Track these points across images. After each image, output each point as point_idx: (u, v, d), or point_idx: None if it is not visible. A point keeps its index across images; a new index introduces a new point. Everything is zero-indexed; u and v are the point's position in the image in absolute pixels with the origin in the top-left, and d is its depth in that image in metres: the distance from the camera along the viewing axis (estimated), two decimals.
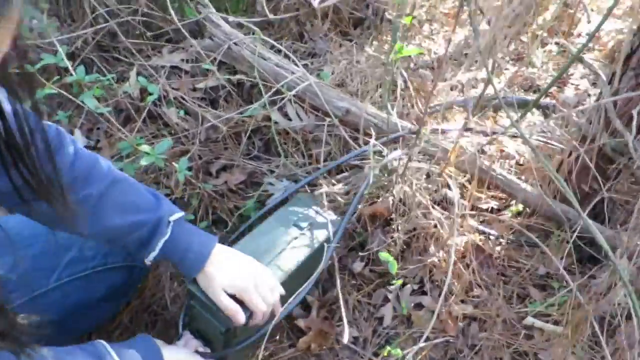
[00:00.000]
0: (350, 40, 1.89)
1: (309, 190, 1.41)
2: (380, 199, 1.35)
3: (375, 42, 1.94)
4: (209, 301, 1.02)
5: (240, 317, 0.99)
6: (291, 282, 1.10)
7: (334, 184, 1.40)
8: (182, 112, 1.52)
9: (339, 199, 1.34)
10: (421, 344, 1.14)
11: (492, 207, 1.51)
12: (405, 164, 1.30)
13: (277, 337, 1.27)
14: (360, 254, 1.38)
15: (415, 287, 1.35)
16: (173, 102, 1.53)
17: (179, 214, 1.01)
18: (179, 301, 1.31)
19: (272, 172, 1.49)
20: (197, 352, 1.03)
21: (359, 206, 1.34)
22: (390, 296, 1.33)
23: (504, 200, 1.52)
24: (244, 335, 1.07)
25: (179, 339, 1.07)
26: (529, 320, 1.21)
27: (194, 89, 1.59)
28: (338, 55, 1.79)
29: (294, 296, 1.06)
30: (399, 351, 1.10)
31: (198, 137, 1.47)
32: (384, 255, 1.11)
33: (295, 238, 1.21)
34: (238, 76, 1.61)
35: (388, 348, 1.12)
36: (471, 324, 1.23)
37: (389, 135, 1.43)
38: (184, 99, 1.53)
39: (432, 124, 1.55)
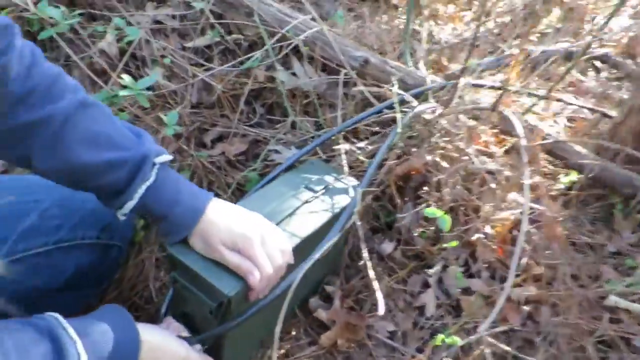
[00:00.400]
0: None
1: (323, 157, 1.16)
2: (414, 155, 1.10)
3: (385, 16, 1.73)
4: (198, 268, 0.76)
5: (253, 275, 0.73)
6: (303, 254, 0.84)
7: (353, 142, 1.15)
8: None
9: (362, 157, 1.08)
10: (476, 336, 0.89)
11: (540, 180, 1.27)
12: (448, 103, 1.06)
13: (293, 333, 1.00)
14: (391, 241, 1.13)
15: (460, 269, 1.09)
16: (158, 61, 1.29)
17: (166, 156, 0.76)
18: (166, 292, 1.03)
19: (278, 140, 1.25)
20: (180, 336, 0.77)
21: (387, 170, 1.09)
22: (430, 281, 1.08)
23: (550, 174, 1.29)
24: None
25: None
26: (611, 299, 0.96)
27: (183, 48, 1.35)
28: (348, 18, 1.57)
29: (308, 259, 0.80)
30: (455, 339, 0.84)
31: (189, 99, 1.22)
32: (430, 211, 0.86)
33: (308, 202, 0.94)
34: (234, 36, 1.37)
35: (441, 336, 0.86)
36: (540, 309, 0.97)
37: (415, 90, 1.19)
38: (172, 56, 1.28)
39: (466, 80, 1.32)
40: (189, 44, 1.35)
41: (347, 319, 1.00)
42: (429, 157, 1.08)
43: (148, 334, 0.70)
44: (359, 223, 0.88)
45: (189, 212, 0.75)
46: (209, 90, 1.28)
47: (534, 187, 1.22)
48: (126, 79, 0.92)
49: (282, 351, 0.96)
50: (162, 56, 1.28)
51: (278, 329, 0.72)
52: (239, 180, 1.18)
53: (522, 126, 0.92)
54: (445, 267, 1.10)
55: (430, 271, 1.10)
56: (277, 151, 1.21)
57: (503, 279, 1.05)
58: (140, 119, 1.15)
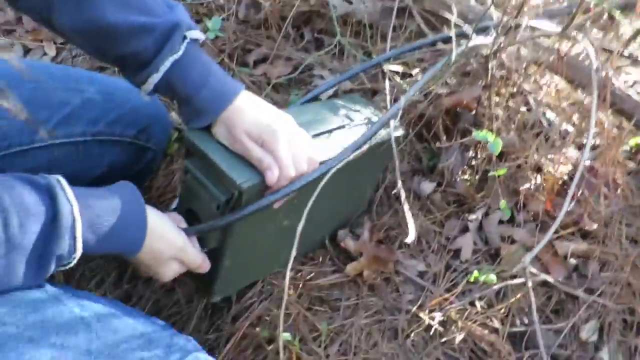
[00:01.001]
0: None
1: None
2: (466, 89, 1.02)
3: None
4: (215, 156, 0.71)
5: (271, 171, 0.68)
6: (335, 180, 0.75)
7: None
8: None
9: (406, 86, 1.01)
10: (513, 281, 0.82)
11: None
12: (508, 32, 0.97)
13: (319, 260, 0.95)
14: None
15: (505, 218, 1.02)
16: None
17: (198, 32, 0.71)
18: None
19: (324, 66, 1.18)
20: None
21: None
22: (470, 226, 1.00)
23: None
24: (245, 231, 0.77)
25: None
26: None
27: None
28: None
29: (337, 160, 0.74)
30: (492, 277, 0.77)
31: (234, 13, 1.16)
32: (481, 134, 0.79)
33: (344, 126, 0.87)
34: None
35: (475, 272, 0.80)
36: (588, 263, 0.89)
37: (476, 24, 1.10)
38: None
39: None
40: None
41: (376, 252, 0.94)
42: (482, 94, 0.99)
43: (150, 218, 0.67)
44: (398, 134, 0.81)
45: (217, 95, 0.70)
46: (257, 8, 1.22)
47: (596, 148, 1.13)
48: None
49: (301, 273, 0.91)
50: None
51: (297, 234, 0.66)
52: (280, 102, 1.13)
53: (594, 55, 0.82)
54: (487, 214, 1.03)
55: (471, 216, 1.03)
56: (322, 77, 1.15)
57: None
58: None
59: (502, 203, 0.85)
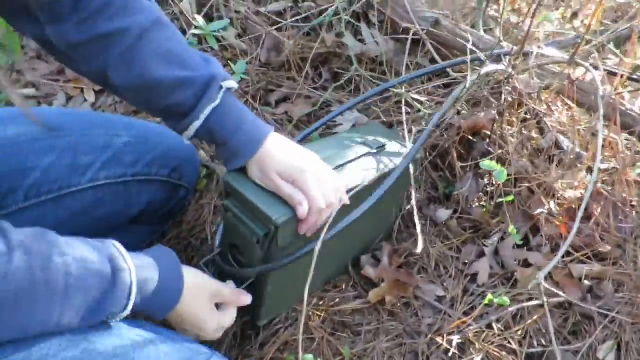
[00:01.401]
0: None
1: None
2: (482, 113, 1.07)
3: None
4: (250, 194, 0.78)
5: (302, 206, 0.75)
6: (354, 203, 0.83)
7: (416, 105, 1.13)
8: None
9: (424, 110, 1.06)
10: (530, 303, 0.85)
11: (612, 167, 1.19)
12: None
13: (342, 287, 1.00)
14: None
15: (519, 242, 1.05)
16: (233, 21, 1.34)
17: (233, 82, 0.79)
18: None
19: (342, 102, 1.25)
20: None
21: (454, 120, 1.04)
22: (486, 251, 1.04)
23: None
24: (285, 252, 0.82)
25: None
26: None
27: (257, 13, 1.39)
28: None
29: (366, 202, 0.80)
30: (505, 299, 0.81)
31: (258, 57, 1.25)
32: (487, 164, 0.83)
33: (364, 155, 0.93)
34: (307, 3, 1.39)
35: (490, 296, 0.83)
36: (603, 284, 0.91)
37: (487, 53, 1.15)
38: (245, 18, 1.33)
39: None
40: (263, 9, 1.39)
41: (396, 276, 0.99)
42: (496, 118, 1.04)
43: (191, 277, 0.75)
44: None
45: (249, 139, 0.78)
46: (278, 51, 1.31)
47: (608, 171, 1.15)
48: (199, 20, 0.96)
49: (326, 302, 0.96)
50: (237, 17, 1.33)
51: (312, 269, 0.71)
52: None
53: (600, 79, 0.86)
54: (502, 239, 1.06)
55: (487, 242, 1.06)
56: (340, 113, 1.21)
57: (564, 255, 1.00)
58: None
59: (512, 229, 0.88)
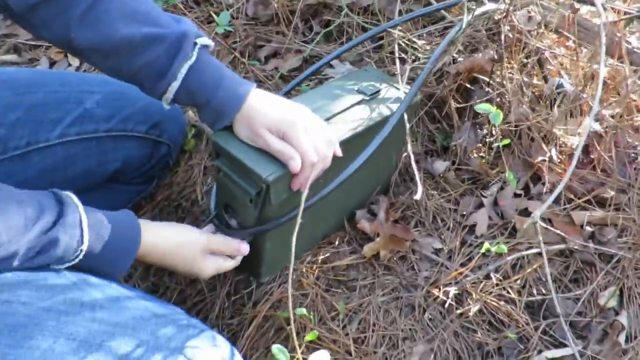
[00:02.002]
0: None
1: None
2: (480, 53, 1.02)
3: None
4: (240, 154, 0.75)
5: (294, 160, 0.72)
6: (350, 156, 0.80)
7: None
8: None
9: (419, 54, 1.02)
10: (529, 252, 0.82)
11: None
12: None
13: (337, 242, 0.97)
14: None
15: (519, 191, 1.01)
16: None
17: (207, 39, 0.75)
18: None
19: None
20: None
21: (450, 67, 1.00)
22: (485, 202, 1.01)
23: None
24: (277, 211, 0.80)
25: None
26: None
27: None
28: None
29: (361, 155, 0.77)
30: (503, 247, 0.78)
31: (244, 11, 1.20)
32: (482, 107, 0.79)
33: (359, 103, 0.89)
34: None
35: (486, 245, 0.80)
36: (604, 230, 0.88)
37: None
38: None
39: None
40: None
41: (392, 231, 0.96)
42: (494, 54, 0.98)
43: (174, 231, 0.74)
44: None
45: (232, 95, 0.75)
46: (265, 4, 1.26)
47: (613, 116, 1.10)
48: None
49: (320, 257, 0.94)
50: None
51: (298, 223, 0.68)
52: (292, 93, 1.16)
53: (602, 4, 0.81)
54: (502, 189, 1.02)
55: (486, 192, 1.03)
56: (331, 65, 1.17)
57: (565, 202, 0.96)
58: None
59: (509, 175, 0.85)
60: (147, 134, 0.94)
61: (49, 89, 0.85)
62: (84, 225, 0.63)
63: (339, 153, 0.79)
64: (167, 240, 0.74)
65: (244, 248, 0.81)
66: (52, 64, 1.30)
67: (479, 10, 0.94)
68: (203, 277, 0.81)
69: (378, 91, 0.92)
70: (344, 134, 0.83)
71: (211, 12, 1.28)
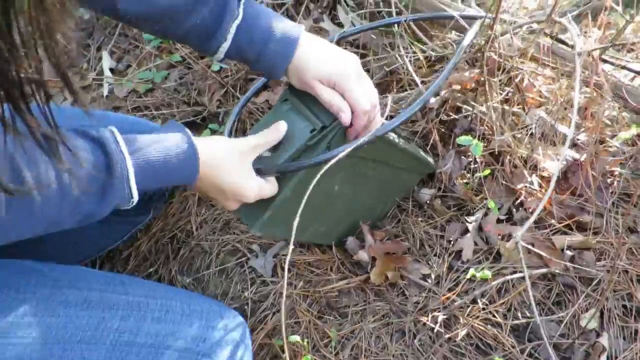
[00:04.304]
0: None
1: None
2: (467, 71, 1.07)
3: None
4: (303, 102, 0.78)
5: (345, 112, 0.74)
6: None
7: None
8: None
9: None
10: (513, 276, 0.86)
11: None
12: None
13: (328, 269, 1.00)
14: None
15: (502, 217, 1.05)
16: None
17: None
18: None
19: None
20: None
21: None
22: (470, 227, 1.04)
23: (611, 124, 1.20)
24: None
25: None
26: None
27: None
28: None
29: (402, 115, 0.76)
30: (487, 273, 0.82)
31: None
32: (463, 139, 0.84)
33: None
34: None
35: (472, 271, 0.84)
36: (583, 254, 0.92)
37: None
38: None
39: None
40: None
41: (386, 249, 0.99)
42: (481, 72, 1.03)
43: (206, 144, 0.71)
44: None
45: (282, 50, 0.75)
46: None
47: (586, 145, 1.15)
48: None
49: (312, 282, 0.97)
50: None
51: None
52: None
53: (577, 34, 0.86)
54: (486, 214, 1.06)
55: (471, 218, 1.07)
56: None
57: (546, 227, 1.00)
58: (185, 62, 1.19)
59: (491, 203, 0.89)
60: None
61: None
62: (132, 183, 0.63)
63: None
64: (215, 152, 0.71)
65: (271, 189, 0.77)
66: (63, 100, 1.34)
67: (465, 41, 0.97)
68: (228, 209, 0.77)
69: None
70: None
71: None
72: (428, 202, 1.11)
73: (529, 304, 0.90)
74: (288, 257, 0.62)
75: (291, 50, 0.75)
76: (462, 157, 1.14)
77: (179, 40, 0.79)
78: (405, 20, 1.07)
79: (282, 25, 0.76)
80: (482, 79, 1.04)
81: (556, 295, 0.91)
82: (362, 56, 1.27)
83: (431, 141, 1.14)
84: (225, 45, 0.75)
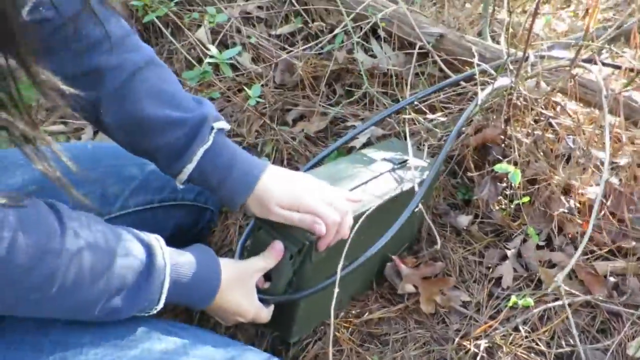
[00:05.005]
0: None
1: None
2: (490, 125, 1.08)
3: None
4: (274, 227, 0.81)
5: (318, 224, 0.77)
6: (372, 226, 0.84)
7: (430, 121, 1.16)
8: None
9: (436, 129, 1.09)
10: (555, 303, 0.86)
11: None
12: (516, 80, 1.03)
13: (367, 299, 1.02)
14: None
15: (542, 243, 1.05)
16: (247, 46, 1.38)
17: (224, 123, 0.80)
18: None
19: (356, 117, 1.28)
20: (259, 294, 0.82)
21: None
22: (509, 254, 1.05)
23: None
24: (313, 277, 0.84)
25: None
26: None
27: (269, 36, 1.43)
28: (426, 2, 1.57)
29: (385, 236, 0.83)
30: (529, 301, 0.82)
31: (272, 79, 1.29)
32: (501, 167, 0.85)
33: (382, 174, 0.95)
34: (317, 23, 1.43)
35: (514, 299, 0.84)
36: (628, 280, 0.91)
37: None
38: (258, 42, 1.37)
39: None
40: (274, 32, 1.44)
41: (422, 274, 1.00)
42: (505, 127, 1.05)
43: (229, 270, 0.77)
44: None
45: (246, 176, 0.78)
46: (291, 72, 1.35)
47: (623, 168, 1.15)
48: (212, 49, 1.00)
49: (353, 312, 0.98)
50: (250, 43, 1.37)
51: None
52: (318, 153, 1.23)
53: (602, 77, 0.87)
54: (524, 241, 1.07)
55: (509, 244, 1.07)
56: (354, 126, 1.24)
57: (587, 253, 1.00)
58: (225, 95, 1.24)
59: (531, 230, 0.89)
60: (194, 201, 1.01)
61: (107, 162, 0.92)
62: (164, 290, 0.68)
63: (357, 205, 0.84)
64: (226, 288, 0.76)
65: (279, 246, 0.81)
66: (95, 132, 1.40)
67: (487, 90, 1.01)
68: (225, 324, 0.84)
69: (403, 162, 0.99)
70: (375, 200, 0.88)
71: (240, 81, 1.38)
72: (465, 227, 1.12)
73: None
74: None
75: (254, 179, 0.78)
76: (498, 183, 1.15)
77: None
78: (411, 103, 1.10)
79: (247, 157, 0.80)
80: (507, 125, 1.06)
81: (600, 322, 0.90)
82: None
83: (464, 165, 1.16)
84: (190, 167, 0.77)
